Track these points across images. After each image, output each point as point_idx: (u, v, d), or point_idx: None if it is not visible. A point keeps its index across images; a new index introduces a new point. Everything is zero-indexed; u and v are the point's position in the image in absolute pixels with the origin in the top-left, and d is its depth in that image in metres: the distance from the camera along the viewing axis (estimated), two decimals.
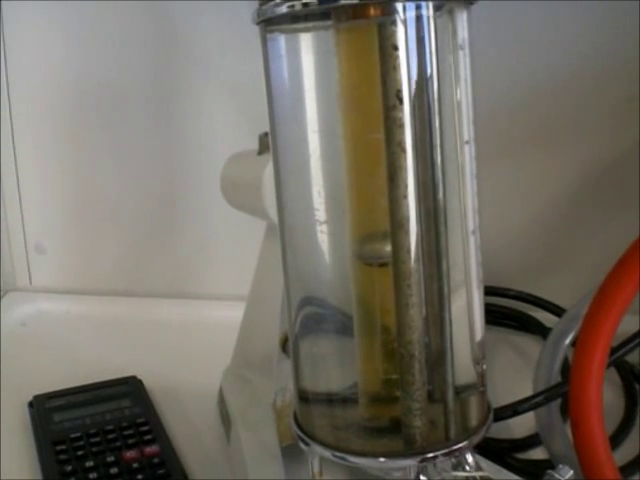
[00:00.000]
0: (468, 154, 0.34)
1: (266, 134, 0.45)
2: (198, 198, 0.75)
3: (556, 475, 0.34)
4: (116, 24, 0.72)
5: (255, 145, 0.49)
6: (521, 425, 0.51)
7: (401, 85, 0.31)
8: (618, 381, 0.58)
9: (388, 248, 0.33)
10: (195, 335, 0.68)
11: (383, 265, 0.34)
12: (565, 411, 0.49)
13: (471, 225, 0.35)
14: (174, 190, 0.77)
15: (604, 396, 0.40)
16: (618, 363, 0.57)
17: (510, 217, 0.70)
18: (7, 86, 0.75)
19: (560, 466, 0.34)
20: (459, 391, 0.36)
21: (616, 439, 0.51)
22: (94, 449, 0.49)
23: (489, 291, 0.68)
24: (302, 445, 0.37)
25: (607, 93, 0.65)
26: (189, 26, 0.71)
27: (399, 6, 0.30)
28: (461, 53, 0.33)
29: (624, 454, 0.49)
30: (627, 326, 0.48)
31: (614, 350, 0.48)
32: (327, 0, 0.31)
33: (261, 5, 0.33)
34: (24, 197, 0.79)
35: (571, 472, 0.34)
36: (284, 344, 0.49)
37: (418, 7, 0.31)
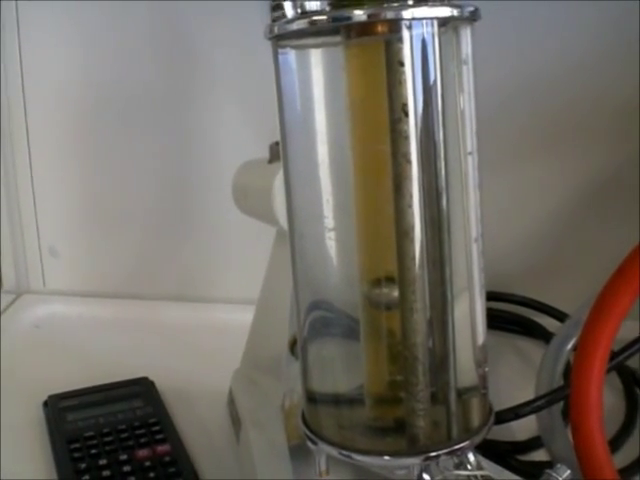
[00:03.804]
0: (471, 164, 0.35)
1: (277, 143, 0.46)
2: (209, 203, 0.76)
3: (554, 474, 0.35)
4: (130, 31, 0.73)
5: (266, 154, 0.50)
6: (523, 428, 0.52)
7: (406, 99, 0.32)
8: (619, 385, 0.58)
9: (395, 293, 0.35)
10: (205, 337, 0.69)
11: (389, 309, 0.36)
12: (567, 414, 0.50)
13: (474, 233, 0.36)
14: (186, 195, 0.78)
15: (605, 400, 0.41)
16: (619, 368, 0.57)
17: (515, 224, 0.70)
18: (23, 90, 0.76)
19: (558, 465, 0.35)
20: (461, 393, 0.37)
21: (617, 442, 0.51)
22: (107, 448, 0.50)
23: (493, 296, 0.69)
24: (309, 444, 0.38)
25: (609, 103, 0.66)
26: (203, 35, 0.71)
27: (405, 24, 0.32)
28: (465, 68, 0.35)
29: (625, 457, 0.49)
30: (629, 332, 0.49)
31: (615, 355, 0.49)
32: (337, 18, 0.32)
33: (273, 21, 0.34)
34: (38, 201, 0.80)
35: (568, 471, 0.35)
36: (293, 347, 0.49)
37: (424, 25, 0.32)
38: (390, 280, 0.35)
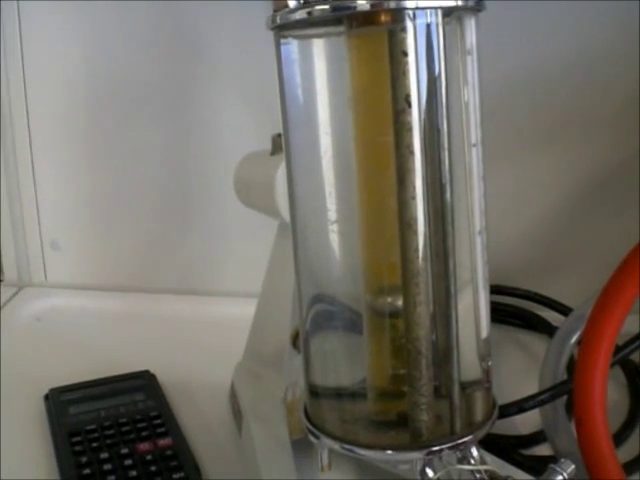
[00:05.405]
0: (475, 156, 0.35)
1: (279, 135, 0.46)
2: (211, 196, 0.76)
3: (558, 469, 0.35)
4: (132, 25, 0.73)
5: (268, 145, 0.50)
6: (527, 422, 0.52)
7: (410, 90, 0.32)
8: (623, 380, 0.58)
9: (399, 302, 0.34)
10: (207, 331, 0.69)
11: (394, 316, 0.35)
12: (570, 408, 0.50)
13: (478, 225, 0.36)
14: (187, 188, 0.78)
15: (609, 394, 0.41)
16: (623, 362, 0.57)
17: (519, 217, 0.70)
18: (24, 84, 0.77)
19: (562, 460, 0.35)
20: (465, 387, 0.36)
21: (621, 436, 0.51)
22: (108, 441, 0.50)
23: (497, 290, 0.69)
24: (312, 438, 0.38)
25: (612, 95, 0.66)
26: (205, 28, 0.72)
27: (409, 13, 0.31)
28: (469, 58, 0.34)
29: (629, 451, 0.49)
30: (634, 326, 0.49)
31: (619, 349, 0.49)
32: (339, 8, 0.32)
33: (275, 11, 0.34)
34: (40, 195, 0.80)
35: (573, 466, 0.35)
36: (295, 340, 0.49)
37: (427, 14, 0.32)
38: (394, 289, 0.35)
